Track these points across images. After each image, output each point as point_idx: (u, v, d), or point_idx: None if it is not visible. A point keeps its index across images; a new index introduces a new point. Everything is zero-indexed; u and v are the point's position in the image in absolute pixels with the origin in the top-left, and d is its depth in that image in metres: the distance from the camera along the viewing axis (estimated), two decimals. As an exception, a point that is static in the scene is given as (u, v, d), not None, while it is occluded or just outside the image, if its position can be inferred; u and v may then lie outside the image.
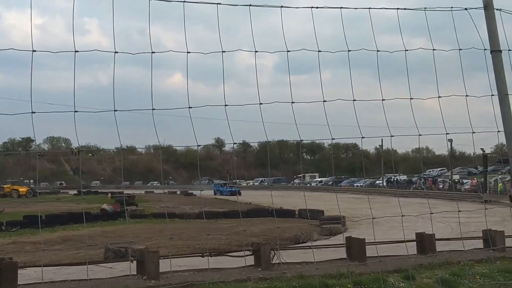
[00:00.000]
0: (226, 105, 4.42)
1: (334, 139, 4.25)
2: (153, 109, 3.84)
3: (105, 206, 39.94)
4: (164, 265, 11.57)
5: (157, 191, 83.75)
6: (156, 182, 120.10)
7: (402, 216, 4.76)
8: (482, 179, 56.03)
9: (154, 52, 4.09)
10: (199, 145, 3.98)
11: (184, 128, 4.23)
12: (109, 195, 58.51)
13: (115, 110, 4.05)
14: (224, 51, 4.39)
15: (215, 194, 74.34)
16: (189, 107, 4.21)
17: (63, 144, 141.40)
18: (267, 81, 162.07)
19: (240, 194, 67.50)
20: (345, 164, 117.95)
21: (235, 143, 3.90)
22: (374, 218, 4.73)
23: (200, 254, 12.92)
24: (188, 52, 4.30)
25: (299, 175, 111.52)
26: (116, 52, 4.07)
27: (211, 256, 12.58)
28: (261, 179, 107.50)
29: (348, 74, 4.65)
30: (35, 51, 3.83)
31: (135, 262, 11.89)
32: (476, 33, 4.55)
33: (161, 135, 4.06)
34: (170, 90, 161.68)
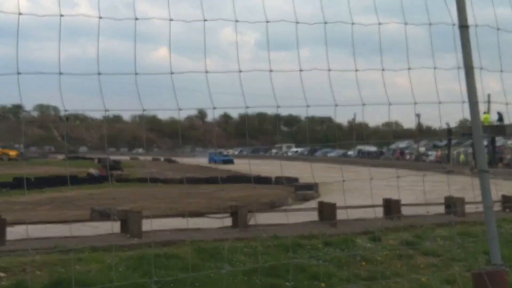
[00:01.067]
0: (207, 72, 4.37)
1: (309, 106, 4.23)
2: (136, 74, 3.78)
3: (91, 170, 39.72)
4: (147, 226, 11.58)
5: (142, 157, 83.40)
6: (141, 149, 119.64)
7: (371, 179, 4.80)
8: (446, 152, 56.85)
9: (137, 19, 4.03)
10: (180, 109, 3.92)
11: (169, 99, 4.18)
12: (96, 160, 58.18)
13: (99, 74, 3.97)
14: (206, 20, 4.32)
15: (209, 162, 74.27)
16: (171, 73, 4.14)
17: (52, 112, 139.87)
18: (249, 57, 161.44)
19: (233, 163, 67.85)
20: (320, 136, 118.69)
21: (215, 108, 3.82)
22: (344, 181, 4.76)
23: (181, 215, 12.95)
24: (170, 20, 4.23)
25: (277, 146, 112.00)
26: (100, 18, 3.97)
27: (192, 217, 12.63)
28: (240, 148, 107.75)
29: (328, 52, 4.62)
30: (21, 14, 3.74)
31: (119, 222, 11.88)
32: (447, 14, 4.55)
33: (146, 106, 3.99)
34: (155, 64, 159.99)
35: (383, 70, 4.97)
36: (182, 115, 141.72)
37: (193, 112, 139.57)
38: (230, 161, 71.49)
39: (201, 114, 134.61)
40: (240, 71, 4.42)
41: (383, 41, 4.91)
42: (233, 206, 12.97)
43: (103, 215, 17.13)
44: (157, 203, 21.44)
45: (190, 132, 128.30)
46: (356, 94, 4.93)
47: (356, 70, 4.84)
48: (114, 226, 11.78)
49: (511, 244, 9.51)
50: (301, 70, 4.59)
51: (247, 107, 4.68)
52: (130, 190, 28.70)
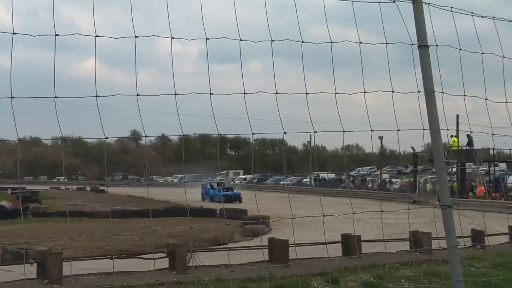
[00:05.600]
0: (138, 95, 4.35)
1: (254, 133, 4.31)
2: (55, 97, 3.74)
3: (3, 203, 38.65)
4: (69, 269, 11.35)
5: (64, 187, 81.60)
6: (63, 178, 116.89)
7: (324, 216, 4.89)
8: (412, 179, 58.15)
9: (58, 35, 3.91)
10: (107, 138, 3.92)
11: (96, 119, 4.13)
12: (9, 191, 56.62)
13: (12, 97, 3.90)
14: (137, 36, 4.29)
15: (203, 199, 58.03)
16: (96, 96, 4.11)
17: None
18: (191, 70, 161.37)
19: (240, 201, 52.54)
20: (272, 161, 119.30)
21: (147, 136, 3.85)
22: (295, 218, 4.83)
23: (109, 256, 12.76)
24: (96, 36, 4.15)
25: (222, 172, 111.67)
26: (14, 34, 3.84)
27: (122, 259, 12.47)
28: (180, 175, 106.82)
29: (281, 64, 4.71)
30: None
31: (35, 265, 11.61)
32: (410, 26, 4.70)
33: (70, 126, 3.97)
34: (82, 77, 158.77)
35: (336, 93, 5.11)
36: (113, 138, 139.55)
37: (126, 133, 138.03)
38: (237, 198, 54.71)
39: (135, 135, 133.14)
40: (176, 94, 4.46)
41: (343, 54, 5.05)
42: (170, 244, 12.89)
43: (17, 257, 16.69)
44: (81, 242, 21.09)
45: (122, 156, 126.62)
46: (313, 112, 5.01)
47: (307, 94, 4.96)
48: (29, 270, 11.49)
49: (483, 285, 9.73)
50: (245, 93, 4.66)
51: (184, 135, 4.73)
52: (49, 226, 28.05)
